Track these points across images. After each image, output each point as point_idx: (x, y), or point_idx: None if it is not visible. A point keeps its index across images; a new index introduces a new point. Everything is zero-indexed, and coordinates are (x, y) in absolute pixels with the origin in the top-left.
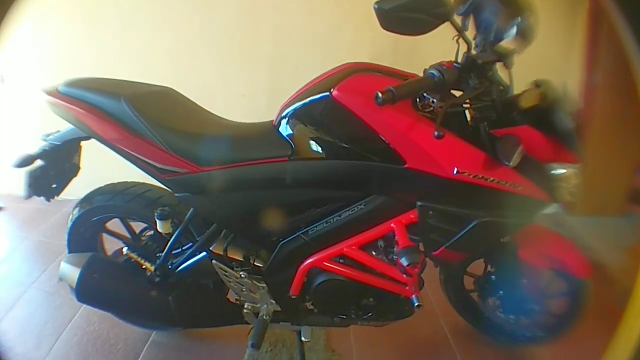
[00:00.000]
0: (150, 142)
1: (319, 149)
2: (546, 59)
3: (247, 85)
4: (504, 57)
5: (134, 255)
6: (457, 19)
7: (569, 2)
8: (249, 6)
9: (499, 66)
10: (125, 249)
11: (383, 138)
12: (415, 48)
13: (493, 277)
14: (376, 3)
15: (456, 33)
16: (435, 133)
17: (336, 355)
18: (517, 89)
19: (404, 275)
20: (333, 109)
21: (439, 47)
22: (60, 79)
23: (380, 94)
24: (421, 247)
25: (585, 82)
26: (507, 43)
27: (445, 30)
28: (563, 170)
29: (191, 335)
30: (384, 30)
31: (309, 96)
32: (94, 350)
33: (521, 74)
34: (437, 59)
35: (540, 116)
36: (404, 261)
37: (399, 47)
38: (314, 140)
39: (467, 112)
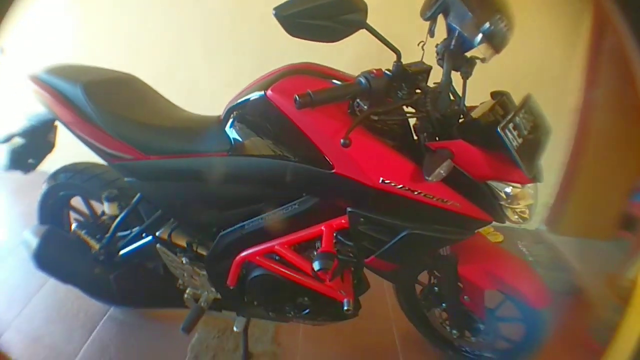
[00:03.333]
0: (99, 127)
1: (255, 147)
2: (545, 70)
3: (232, 75)
4: (461, 67)
5: (81, 233)
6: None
7: (572, 15)
8: None
9: (455, 75)
10: (74, 226)
11: (312, 141)
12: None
13: (436, 288)
14: (275, 8)
15: (423, 39)
16: (342, 141)
17: (280, 349)
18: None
19: (315, 279)
20: (267, 108)
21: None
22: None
23: (297, 97)
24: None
25: (584, 98)
26: (472, 52)
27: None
28: (509, 190)
29: (147, 314)
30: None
31: (248, 95)
32: (57, 317)
33: (517, 84)
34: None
35: (482, 131)
36: (315, 265)
37: (384, 50)
38: (250, 138)
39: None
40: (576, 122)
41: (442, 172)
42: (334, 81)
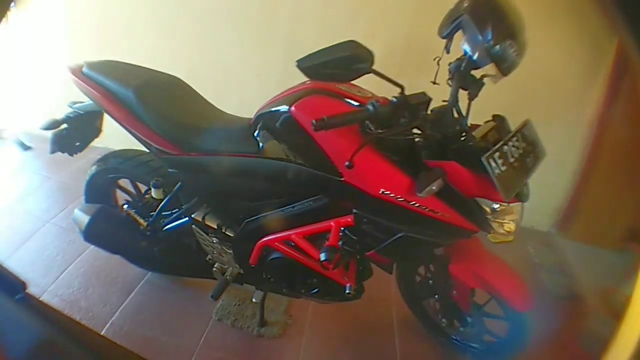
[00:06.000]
0: (148, 126)
1: (279, 153)
2: (566, 81)
3: (261, 67)
4: (469, 87)
5: (132, 213)
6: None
7: (600, 33)
8: None
9: (463, 94)
10: (125, 207)
11: (327, 154)
12: (428, 49)
13: (430, 282)
14: (297, 61)
15: (438, 55)
16: (346, 163)
17: (291, 320)
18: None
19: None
20: (290, 122)
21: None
22: (93, 39)
23: (314, 122)
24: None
25: (602, 109)
26: (481, 72)
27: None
28: (496, 206)
29: (178, 280)
30: (396, 30)
31: (276, 107)
32: (96, 281)
33: (536, 92)
34: (448, 59)
35: (472, 156)
36: (321, 256)
37: (411, 46)
38: (275, 144)
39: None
40: (593, 131)
41: (432, 189)
42: (349, 101)
